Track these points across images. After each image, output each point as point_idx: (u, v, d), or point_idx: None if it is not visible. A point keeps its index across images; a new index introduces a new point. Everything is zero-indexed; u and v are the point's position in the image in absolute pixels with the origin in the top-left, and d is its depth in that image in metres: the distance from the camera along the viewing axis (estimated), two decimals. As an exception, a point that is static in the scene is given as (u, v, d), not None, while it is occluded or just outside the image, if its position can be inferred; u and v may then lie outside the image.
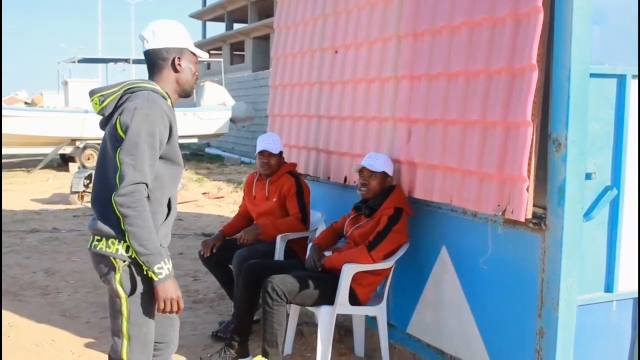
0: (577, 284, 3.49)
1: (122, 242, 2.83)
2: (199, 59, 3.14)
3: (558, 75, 3.41)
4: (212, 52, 43.33)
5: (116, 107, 2.88)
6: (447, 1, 4.11)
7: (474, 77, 3.84)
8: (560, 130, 3.40)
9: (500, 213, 3.59)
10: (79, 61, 23.02)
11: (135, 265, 2.86)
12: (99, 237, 2.89)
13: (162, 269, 2.80)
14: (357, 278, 4.23)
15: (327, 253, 4.59)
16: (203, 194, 13.51)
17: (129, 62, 23.04)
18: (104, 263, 2.90)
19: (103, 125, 2.96)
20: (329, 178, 5.49)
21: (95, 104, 2.91)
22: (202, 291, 6.43)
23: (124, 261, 2.85)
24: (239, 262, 4.80)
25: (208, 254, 5.10)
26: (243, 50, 41.99)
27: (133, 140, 2.76)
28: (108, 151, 2.86)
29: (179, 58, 3.01)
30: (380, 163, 4.39)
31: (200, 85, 20.27)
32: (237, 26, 43.77)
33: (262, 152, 5.18)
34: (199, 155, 24.74)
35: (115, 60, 24.25)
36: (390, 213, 4.27)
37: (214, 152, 25.95)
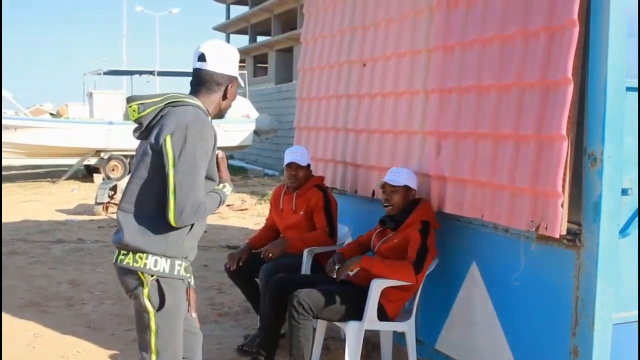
0: (613, 302, 3.41)
1: (150, 256, 2.82)
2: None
3: (594, 89, 3.35)
4: (235, 64, 43.42)
5: (155, 119, 2.87)
6: (478, 15, 4.07)
7: (506, 90, 3.79)
8: (596, 145, 3.34)
9: (533, 229, 3.52)
10: (105, 73, 23.22)
11: (163, 279, 2.84)
12: (125, 252, 2.87)
13: (226, 190, 3.05)
14: (386, 294, 4.18)
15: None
16: (227, 206, 13.50)
17: (154, 75, 23.18)
18: (131, 277, 2.88)
19: (140, 135, 2.95)
20: (356, 192, 5.45)
21: (134, 111, 2.88)
22: (227, 304, 6.39)
23: (152, 276, 2.83)
24: (266, 276, 4.76)
25: (234, 267, 5.07)
26: (266, 63, 42.07)
27: (191, 162, 2.76)
28: (148, 166, 2.84)
29: (231, 86, 3.03)
30: (402, 177, 4.35)
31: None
32: (260, 39, 43.89)
33: (290, 165, 5.15)
34: (223, 167, 24.72)
35: (141, 73, 24.42)
36: (419, 227, 4.21)
37: (238, 164, 26.01)
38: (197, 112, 2.87)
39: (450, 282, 4.41)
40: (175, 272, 2.88)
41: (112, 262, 2.95)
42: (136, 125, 2.94)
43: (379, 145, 5.12)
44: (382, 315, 4.22)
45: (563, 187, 3.39)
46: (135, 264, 2.83)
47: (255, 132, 20.42)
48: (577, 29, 3.31)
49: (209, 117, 2.97)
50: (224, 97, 3.04)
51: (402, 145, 4.81)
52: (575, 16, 3.30)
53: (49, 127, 17.93)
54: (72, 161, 18.57)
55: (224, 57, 3.01)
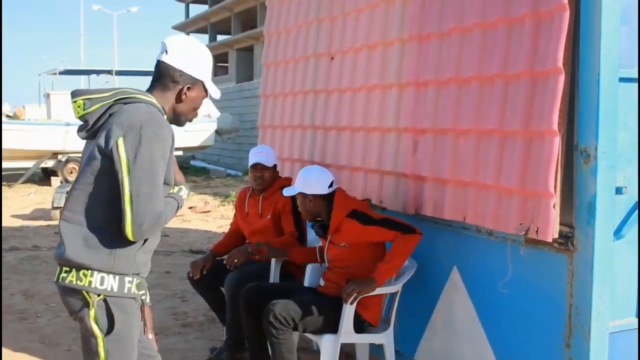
0: (609, 309, 3.16)
1: (95, 272, 2.48)
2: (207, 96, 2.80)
3: (585, 80, 3.09)
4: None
5: (102, 117, 2.52)
6: (457, 1, 3.78)
7: (489, 82, 3.52)
8: (589, 141, 3.08)
9: (523, 232, 3.25)
10: (61, 73, 22.58)
11: (112, 298, 2.50)
12: (67, 268, 2.52)
13: (183, 194, 2.73)
14: (361, 302, 3.88)
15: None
16: (189, 208, 13.11)
17: (112, 74, 22.62)
18: (75, 298, 2.53)
19: (85, 135, 2.60)
20: (326, 193, 5.14)
21: (79, 106, 2.53)
22: (191, 314, 6.05)
23: (99, 295, 2.49)
24: (232, 286, 4.45)
25: (198, 276, 4.73)
26: (227, 62, 41.62)
27: (147, 167, 2.42)
28: (95, 171, 2.50)
29: (188, 88, 2.66)
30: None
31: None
32: (220, 38, 43.42)
33: (254, 166, 4.81)
34: (184, 168, 24.25)
35: (98, 72, 23.86)
36: (356, 221, 3.96)
37: (200, 164, 25.54)
38: (151, 110, 2.53)
39: (429, 288, 4.12)
40: (126, 290, 2.54)
41: (54, 281, 2.61)
42: (81, 123, 2.60)
43: (349, 143, 4.82)
44: (360, 325, 3.93)
45: (555, 186, 3.12)
46: (79, 283, 2.49)
47: (217, 132, 20.04)
48: (567, 14, 3.04)
49: (165, 117, 2.63)
50: (178, 98, 2.66)
51: (374, 143, 4.51)
52: (566, 0, 3.03)
53: (4, 129, 17.32)
54: (29, 164, 17.98)
55: (188, 54, 2.65)
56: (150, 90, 2.67)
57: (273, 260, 4.63)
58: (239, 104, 23.16)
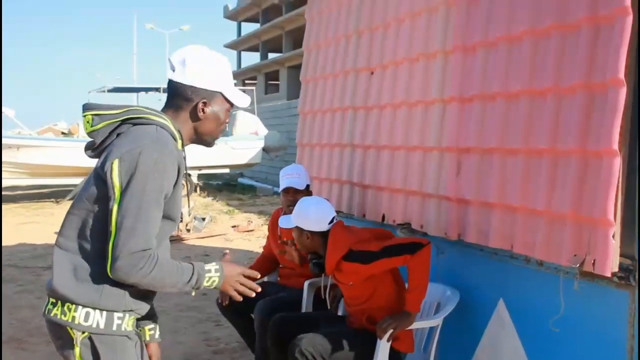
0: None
1: (79, 307, 2.21)
2: (234, 107, 2.49)
3: (651, 93, 2.73)
4: (247, 81, 43.17)
5: (110, 137, 2.27)
6: (504, 7, 3.46)
7: (540, 96, 3.17)
8: (655, 162, 2.72)
9: (577, 265, 2.88)
10: (109, 90, 22.70)
11: (98, 336, 2.22)
12: (54, 300, 2.26)
13: (212, 276, 2.30)
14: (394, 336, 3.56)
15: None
16: (232, 227, 12.92)
17: (160, 92, 22.70)
18: (60, 334, 2.26)
19: (92, 154, 2.35)
20: (364, 215, 4.83)
21: (87, 122, 2.28)
22: (224, 339, 5.78)
23: (83, 332, 2.22)
24: (262, 314, 4.18)
25: (227, 302, 4.46)
26: (278, 80, 41.74)
27: (137, 198, 2.13)
28: (92, 196, 2.24)
29: (204, 103, 2.37)
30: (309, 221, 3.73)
31: (232, 114, 19.85)
32: (271, 56, 43.63)
33: (287, 190, 4.54)
34: (232, 185, 24.23)
35: (147, 90, 23.94)
36: (354, 263, 3.55)
37: (247, 182, 25.44)
38: (159, 135, 2.24)
39: (473, 322, 3.77)
40: (114, 328, 2.25)
41: (42, 313, 2.34)
42: (89, 140, 2.35)
43: (389, 163, 4.50)
44: (396, 357, 3.60)
45: (614, 213, 2.75)
46: (63, 317, 2.22)
47: (264, 150, 19.89)
48: (630, 19, 2.69)
49: (179, 141, 2.34)
50: (195, 117, 2.38)
51: (415, 163, 4.19)
52: (628, 3, 2.68)
53: (51, 145, 17.48)
54: (77, 181, 18.09)
55: (194, 65, 2.35)
56: (165, 110, 2.40)
57: (306, 288, 4.33)
58: (287, 121, 23.02)
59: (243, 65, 47.66)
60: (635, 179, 2.81)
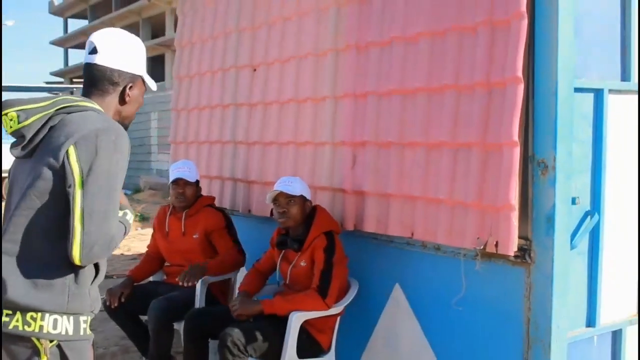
0: (567, 321, 3.11)
1: (47, 315, 2.12)
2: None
3: (542, 90, 3.04)
4: (74, 80, 41.24)
5: (42, 131, 2.19)
6: (400, 10, 3.66)
7: (438, 93, 3.41)
8: (546, 152, 3.03)
9: (481, 247, 3.14)
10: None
11: (67, 343, 2.16)
12: (9, 312, 2.12)
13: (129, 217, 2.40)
14: (313, 324, 3.68)
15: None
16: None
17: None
18: (22, 346, 2.14)
19: (21, 152, 2.23)
20: (249, 211, 4.89)
21: (11, 119, 2.18)
22: (102, 343, 5.57)
23: (52, 341, 2.13)
24: (159, 314, 4.12)
25: (116, 304, 4.34)
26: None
27: (104, 181, 2.10)
28: (43, 193, 2.14)
29: (130, 87, 2.37)
30: (296, 186, 3.85)
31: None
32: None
33: (176, 181, 4.47)
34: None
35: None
36: (324, 244, 3.72)
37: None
38: (105, 117, 2.23)
39: (369, 308, 3.96)
40: (81, 332, 2.20)
41: None
42: (14, 139, 2.25)
43: (277, 158, 4.59)
44: (317, 349, 3.72)
45: (514, 198, 3.03)
46: (26, 328, 2.10)
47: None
48: (525, 22, 2.98)
49: None
50: (122, 100, 2.37)
51: (306, 158, 4.31)
52: (524, 8, 2.97)
53: None
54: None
55: (122, 50, 2.35)
56: (88, 96, 2.34)
57: (198, 285, 4.31)
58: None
59: (70, 63, 45.55)
60: (528, 168, 3.11)
